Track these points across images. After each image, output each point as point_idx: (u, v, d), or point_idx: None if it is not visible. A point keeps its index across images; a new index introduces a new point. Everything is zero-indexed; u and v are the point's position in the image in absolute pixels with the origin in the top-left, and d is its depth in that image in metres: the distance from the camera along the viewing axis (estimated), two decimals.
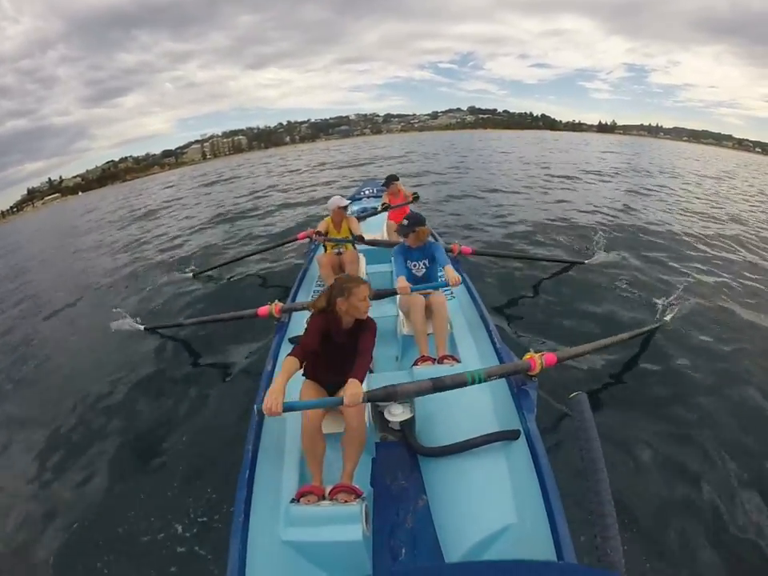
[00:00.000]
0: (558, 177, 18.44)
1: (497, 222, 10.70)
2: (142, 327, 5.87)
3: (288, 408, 2.42)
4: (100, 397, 4.96)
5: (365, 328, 2.83)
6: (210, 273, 8.32)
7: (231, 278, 8.14)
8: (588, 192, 15.15)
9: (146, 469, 3.78)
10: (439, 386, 2.67)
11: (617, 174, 21.12)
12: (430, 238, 4.36)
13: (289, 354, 2.63)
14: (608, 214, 11.59)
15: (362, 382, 2.54)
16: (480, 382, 2.70)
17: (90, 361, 5.98)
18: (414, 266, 4.23)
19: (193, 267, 8.56)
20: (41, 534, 3.30)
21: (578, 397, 2.10)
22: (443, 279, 4.04)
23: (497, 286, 6.67)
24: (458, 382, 2.69)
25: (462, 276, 4.53)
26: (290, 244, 7.49)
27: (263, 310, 4.28)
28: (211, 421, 4.22)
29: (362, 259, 5.48)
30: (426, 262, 4.22)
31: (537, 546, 2.10)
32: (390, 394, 2.60)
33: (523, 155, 30.68)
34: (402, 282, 3.90)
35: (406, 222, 4.12)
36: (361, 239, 5.31)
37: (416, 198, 6.86)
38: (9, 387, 5.74)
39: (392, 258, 4.38)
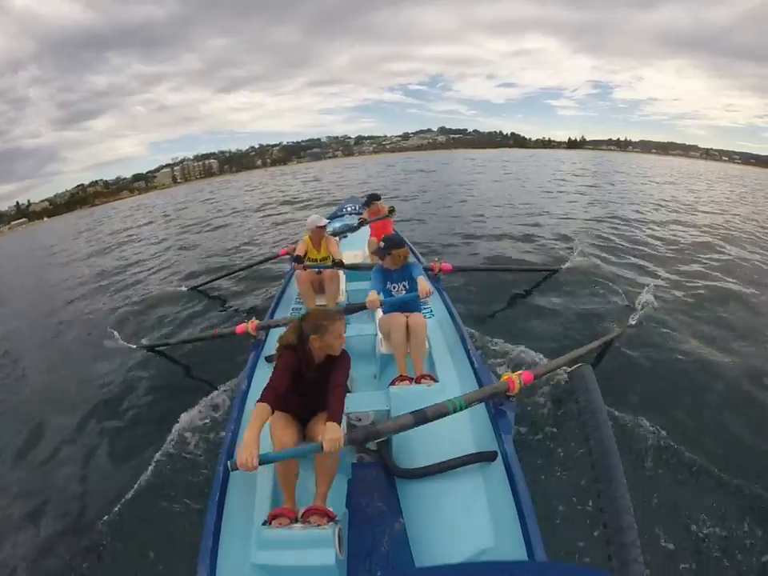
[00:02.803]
0: (539, 191, 19.46)
1: (475, 238, 10.99)
2: (132, 346, 5.88)
3: (264, 460, 2.29)
4: (66, 420, 4.92)
5: (338, 364, 2.75)
6: (199, 288, 8.49)
7: (210, 297, 8.24)
8: (565, 205, 15.77)
9: (116, 485, 3.73)
10: (420, 419, 2.63)
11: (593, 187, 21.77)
12: (411, 259, 4.34)
13: (259, 400, 2.46)
14: (582, 226, 12.06)
15: (339, 422, 2.47)
16: (461, 409, 2.68)
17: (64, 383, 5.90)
18: (395, 287, 4.16)
19: (183, 284, 8.77)
20: None
21: (580, 370, 1.85)
22: (429, 308, 4.19)
23: (475, 301, 6.72)
24: (439, 413, 2.65)
25: (441, 294, 4.78)
26: (271, 261, 7.71)
27: (241, 327, 4.25)
28: (182, 442, 4.02)
29: (342, 276, 5.39)
30: (406, 284, 4.14)
31: None
32: (371, 434, 2.59)
33: (504, 173, 31.99)
34: (371, 296, 3.83)
35: (382, 243, 4.10)
36: (340, 264, 5.16)
37: (391, 210, 6.78)
38: None
39: (371, 276, 4.26)
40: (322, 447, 2.31)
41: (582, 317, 6.06)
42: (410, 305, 4.07)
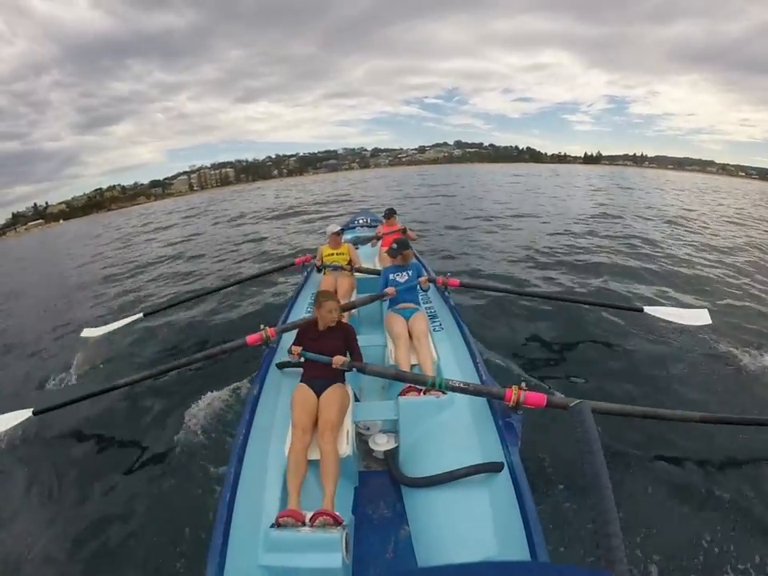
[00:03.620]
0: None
1: (491, 256, 10.74)
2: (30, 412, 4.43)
3: (305, 355, 3.30)
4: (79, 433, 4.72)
5: (347, 335, 3.50)
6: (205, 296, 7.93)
7: (215, 309, 8.13)
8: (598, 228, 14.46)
9: (127, 484, 3.82)
10: (401, 377, 3.20)
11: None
12: (413, 261, 5.16)
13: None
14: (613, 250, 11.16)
15: (356, 368, 3.25)
16: (440, 387, 2.93)
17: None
18: (399, 275, 4.77)
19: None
20: None
21: (579, 405, 1.98)
22: (430, 305, 5.02)
23: (485, 317, 6.70)
24: (419, 380, 3.06)
25: (450, 308, 4.93)
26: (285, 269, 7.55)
27: (253, 337, 4.04)
28: (193, 445, 4.06)
29: (355, 286, 5.80)
30: (409, 272, 4.79)
31: None
32: (362, 368, 3.22)
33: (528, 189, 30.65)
34: (388, 291, 4.54)
35: (395, 245, 4.83)
36: (359, 269, 5.86)
37: (403, 231, 7.04)
38: None
39: (381, 303, 4.99)
40: (332, 362, 3.16)
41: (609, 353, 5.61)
42: (413, 297, 4.63)
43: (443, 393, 3.42)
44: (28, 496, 4.01)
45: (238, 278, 7.99)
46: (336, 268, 5.77)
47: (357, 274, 5.87)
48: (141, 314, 6.46)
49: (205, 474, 3.66)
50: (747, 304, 7.41)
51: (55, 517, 3.69)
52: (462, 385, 2.87)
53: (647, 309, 5.53)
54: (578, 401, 1.98)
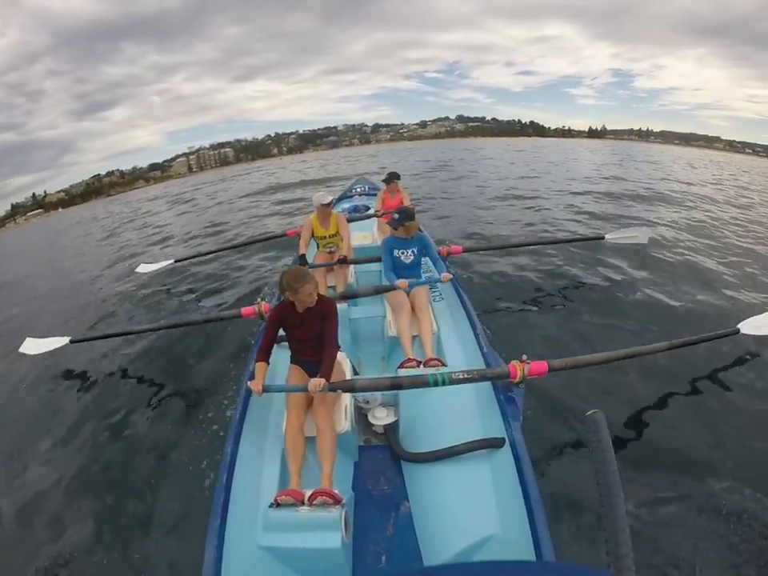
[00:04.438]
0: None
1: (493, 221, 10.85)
2: (67, 339, 5.24)
3: (267, 390, 2.83)
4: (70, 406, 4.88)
5: (325, 312, 2.98)
6: (186, 262, 8.55)
7: (203, 276, 8.53)
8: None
9: (118, 466, 3.82)
10: (396, 384, 2.78)
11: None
12: (418, 232, 4.44)
13: (255, 361, 2.97)
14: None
15: (329, 377, 2.76)
16: (444, 384, 2.70)
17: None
18: (402, 253, 4.30)
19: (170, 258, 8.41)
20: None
21: (594, 416, 1.91)
22: (429, 275, 4.45)
23: (485, 284, 6.64)
24: (417, 383, 2.74)
25: (452, 280, 4.57)
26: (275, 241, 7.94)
27: (248, 310, 4.17)
28: (189, 422, 4.14)
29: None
30: (414, 250, 4.31)
31: (519, 556, 2.08)
32: (349, 387, 2.83)
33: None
34: (400, 284, 4.01)
35: (397, 215, 4.30)
36: (344, 261, 4.99)
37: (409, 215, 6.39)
38: None
39: (381, 255, 4.35)
40: (308, 388, 2.69)
41: (611, 311, 5.70)
42: (416, 272, 4.37)
43: (443, 364, 3.42)
44: (53, 419, 4.63)
45: (232, 244, 9.05)
46: (331, 250, 5.27)
47: (354, 245, 5.43)
48: (172, 260, 7.71)
49: (202, 449, 3.72)
50: None
51: (71, 444, 4.15)
52: (466, 375, 2.77)
53: (608, 236, 6.46)
54: (593, 411, 1.92)
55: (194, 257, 8.65)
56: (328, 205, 5.17)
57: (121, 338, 5.67)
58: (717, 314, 5.49)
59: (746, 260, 7.96)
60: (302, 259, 4.96)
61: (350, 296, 4.45)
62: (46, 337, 5.37)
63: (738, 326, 4.21)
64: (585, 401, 3.90)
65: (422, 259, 4.44)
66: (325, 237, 5.25)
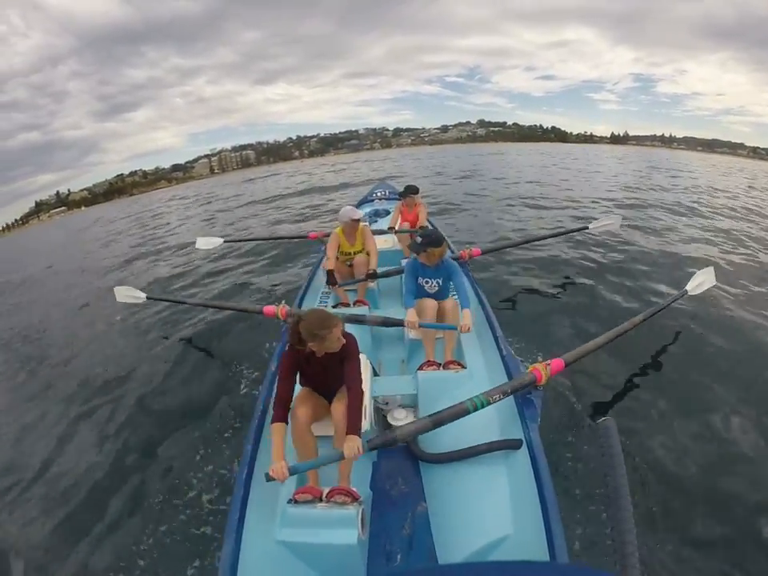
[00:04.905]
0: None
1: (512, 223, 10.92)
2: (144, 296, 6.04)
3: (293, 471, 2.38)
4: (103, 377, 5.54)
5: (346, 356, 2.71)
6: (230, 245, 9.49)
7: (240, 264, 9.31)
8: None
9: (136, 459, 3.94)
10: (438, 421, 2.64)
11: None
12: (446, 255, 4.02)
13: (272, 422, 2.56)
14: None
15: (359, 434, 2.49)
16: (482, 407, 2.65)
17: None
18: (427, 282, 3.98)
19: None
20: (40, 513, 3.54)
21: (605, 423, 1.97)
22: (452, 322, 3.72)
23: (503, 285, 6.74)
24: (458, 413, 2.64)
25: (471, 281, 4.74)
26: (300, 241, 8.25)
27: (269, 309, 4.20)
28: (210, 417, 4.23)
29: (373, 265, 5.04)
30: (440, 280, 3.96)
31: (532, 558, 2.07)
32: (389, 441, 2.60)
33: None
34: (410, 316, 3.69)
35: (419, 239, 3.82)
36: (374, 275, 4.86)
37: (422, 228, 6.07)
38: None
39: (402, 276, 4.21)
40: (343, 456, 2.38)
41: (614, 291, 6.19)
42: (443, 294, 4.00)
43: (463, 367, 3.41)
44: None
45: (255, 236, 10.38)
46: (350, 263, 5.00)
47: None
48: (222, 240, 8.19)
49: (222, 443, 3.83)
50: None
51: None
52: (501, 394, 2.73)
53: (590, 226, 6.88)
54: (604, 418, 1.97)
55: (238, 240, 9.79)
56: (357, 221, 4.98)
57: (177, 305, 6.75)
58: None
59: None
60: (331, 276, 4.76)
61: (357, 320, 4.02)
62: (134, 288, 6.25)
63: (686, 288, 4.86)
64: (597, 402, 4.03)
65: (451, 284, 4.02)
66: (349, 253, 5.03)
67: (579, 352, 3.28)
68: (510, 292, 6.50)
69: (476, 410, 2.65)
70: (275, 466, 2.35)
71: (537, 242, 7.67)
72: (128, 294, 6.04)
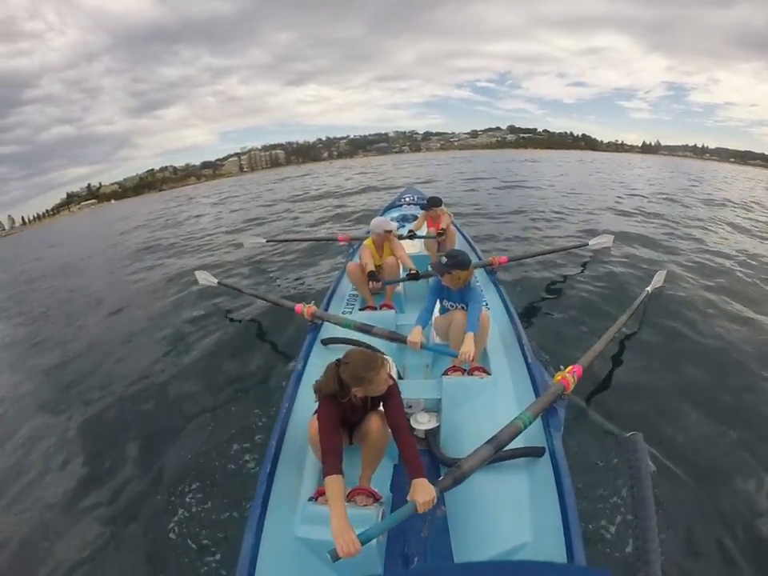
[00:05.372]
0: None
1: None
2: (216, 281, 6.96)
3: (364, 540, 1.99)
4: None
5: (388, 399, 2.53)
6: (271, 244, 9.92)
7: (281, 259, 9.68)
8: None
9: (171, 447, 3.95)
10: (498, 445, 2.45)
11: None
12: (472, 280, 3.77)
13: (327, 475, 2.19)
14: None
15: (425, 476, 2.24)
16: (530, 423, 2.59)
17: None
18: (452, 306, 3.79)
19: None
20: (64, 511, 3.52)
21: (634, 437, 2.00)
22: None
23: (528, 293, 6.68)
24: (514, 434, 2.52)
25: (497, 287, 4.81)
26: (333, 242, 8.39)
27: (299, 307, 4.30)
28: (237, 413, 4.23)
29: (401, 269, 5.10)
30: (465, 306, 3.67)
31: None
32: (458, 478, 2.31)
33: None
34: (415, 336, 3.50)
35: (444, 259, 3.58)
36: (415, 276, 4.74)
37: (440, 233, 6.02)
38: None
39: (429, 284, 4.05)
40: (417, 509, 2.11)
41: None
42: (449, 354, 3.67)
43: (487, 373, 3.39)
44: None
45: (299, 237, 10.63)
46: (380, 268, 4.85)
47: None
48: (264, 240, 9.38)
49: (248, 442, 3.77)
50: None
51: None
52: (541, 409, 2.71)
53: (590, 242, 7.49)
54: (632, 433, 2.01)
55: (280, 241, 10.14)
56: (390, 232, 4.90)
57: (232, 291, 6.91)
58: None
59: None
60: (372, 276, 4.63)
61: (365, 330, 3.90)
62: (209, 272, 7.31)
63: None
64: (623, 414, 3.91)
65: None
66: (378, 265, 4.86)
67: (590, 355, 3.34)
68: (537, 295, 6.64)
69: (525, 427, 2.58)
70: (342, 540, 1.90)
71: (544, 256, 7.80)
72: (204, 278, 7.08)
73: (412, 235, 6.19)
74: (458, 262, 3.54)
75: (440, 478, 2.34)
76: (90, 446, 4.24)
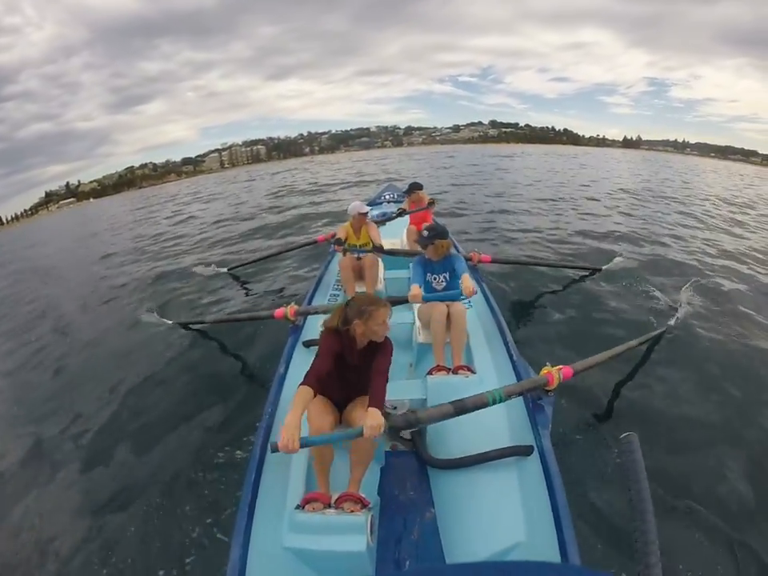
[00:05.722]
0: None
1: (516, 232, 10.53)
2: (169, 322, 6.23)
3: (304, 444, 2.27)
4: (114, 388, 5.12)
5: (381, 349, 2.63)
6: (234, 271, 8.59)
7: (247, 280, 8.37)
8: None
9: (151, 462, 3.80)
10: (461, 408, 2.57)
11: None
12: (452, 250, 4.18)
13: (301, 383, 2.40)
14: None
15: (381, 409, 2.38)
16: (500, 401, 2.61)
17: (111, 355, 6.13)
18: (435, 279, 4.05)
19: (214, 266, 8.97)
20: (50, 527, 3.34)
21: (629, 438, 1.93)
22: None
23: (514, 294, 6.58)
24: (479, 404, 2.60)
25: (480, 286, 4.64)
26: (309, 246, 7.68)
27: (279, 312, 4.24)
28: (219, 422, 4.15)
29: (381, 264, 5.28)
30: (447, 275, 4.02)
31: None
32: (411, 421, 2.53)
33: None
34: (414, 290, 3.76)
35: (426, 232, 3.95)
36: (380, 249, 5.18)
37: (431, 203, 6.56)
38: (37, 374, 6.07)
39: (410, 266, 4.18)
40: (362, 433, 2.27)
41: (618, 320, 5.81)
42: (450, 289, 3.96)
43: (472, 372, 3.38)
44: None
45: (261, 255, 8.75)
46: (359, 256, 5.11)
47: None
48: (225, 269, 8.53)
49: (231, 449, 3.71)
50: None
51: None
52: (516, 392, 2.72)
53: (604, 267, 7.13)
54: (627, 433, 1.93)
55: (240, 266, 8.65)
56: (365, 215, 5.26)
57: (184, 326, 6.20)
58: None
59: None
60: (338, 241, 5.07)
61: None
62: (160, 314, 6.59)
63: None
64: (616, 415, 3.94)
65: (459, 281, 3.94)
66: (355, 245, 5.22)
67: (586, 363, 3.27)
68: (522, 297, 6.51)
69: (494, 402, 2.61)
70: (285, 436, 2.12)
71: (544, 266, 7.53)
72: (150, 319, 6.56)
73: (402, 212, 6.56)
74: (439, 232, 3.92)
75: (394, 416, 2.52)
76: (67, 460, 4.08)
